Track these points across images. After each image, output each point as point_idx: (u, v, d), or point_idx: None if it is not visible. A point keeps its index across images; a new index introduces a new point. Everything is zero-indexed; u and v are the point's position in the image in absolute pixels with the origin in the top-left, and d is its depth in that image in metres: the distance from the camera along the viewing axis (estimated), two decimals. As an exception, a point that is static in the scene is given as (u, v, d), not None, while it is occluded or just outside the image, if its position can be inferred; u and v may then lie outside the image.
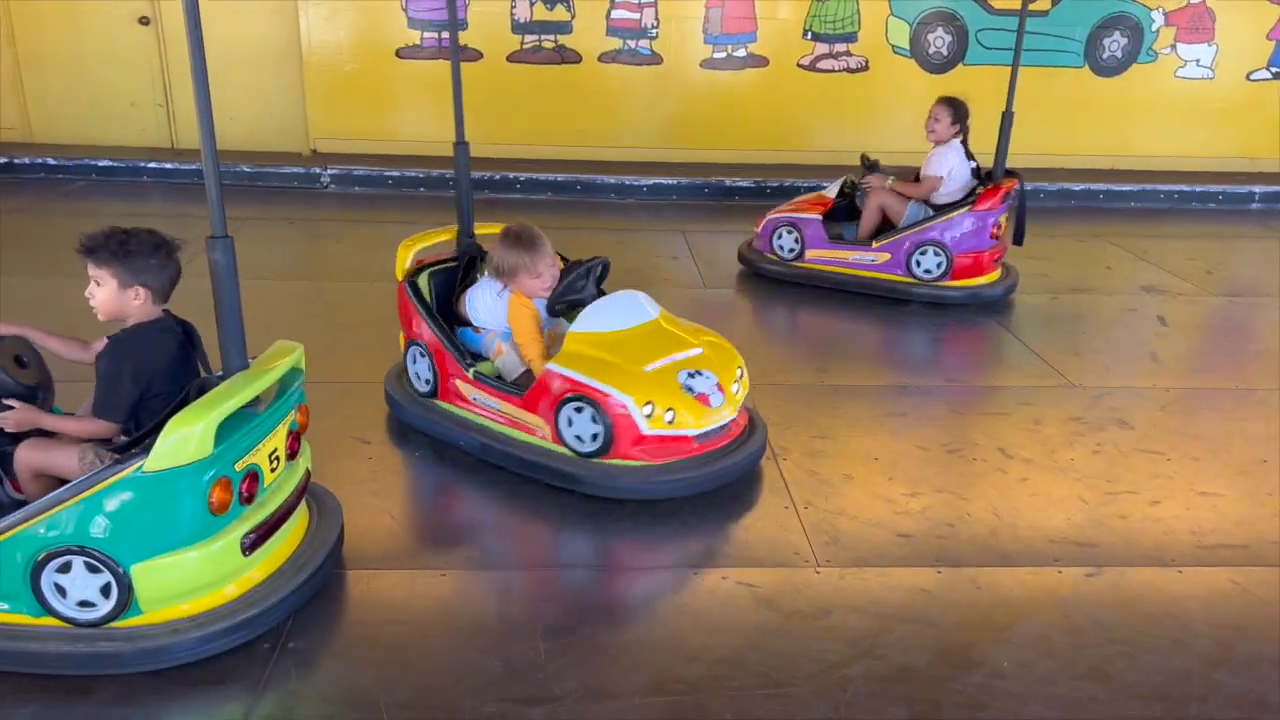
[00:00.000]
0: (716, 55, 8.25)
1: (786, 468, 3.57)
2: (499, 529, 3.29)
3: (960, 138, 5.54)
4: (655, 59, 8.21)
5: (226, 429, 2.45)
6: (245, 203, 7.13)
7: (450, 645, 2.59)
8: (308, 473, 2.88)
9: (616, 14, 8.08)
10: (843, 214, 5.73)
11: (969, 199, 5.36)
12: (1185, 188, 8.24)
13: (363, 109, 8.17)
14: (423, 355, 3.68)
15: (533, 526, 3.29)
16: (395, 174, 7.74)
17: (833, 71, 8.36)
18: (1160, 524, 3.30)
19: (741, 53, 8.25)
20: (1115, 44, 8.41)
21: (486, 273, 3.68)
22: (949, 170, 5.46)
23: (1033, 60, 8.40)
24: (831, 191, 5.80)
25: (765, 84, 8.35)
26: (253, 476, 2.56)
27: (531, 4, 7.99)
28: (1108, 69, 8.49)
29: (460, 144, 3.79)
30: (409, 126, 8.21)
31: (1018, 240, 5.60)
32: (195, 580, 2.46)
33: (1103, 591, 2.92)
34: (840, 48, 8.30)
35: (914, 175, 5.60)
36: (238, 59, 8.13)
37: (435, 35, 8.04)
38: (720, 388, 3.34)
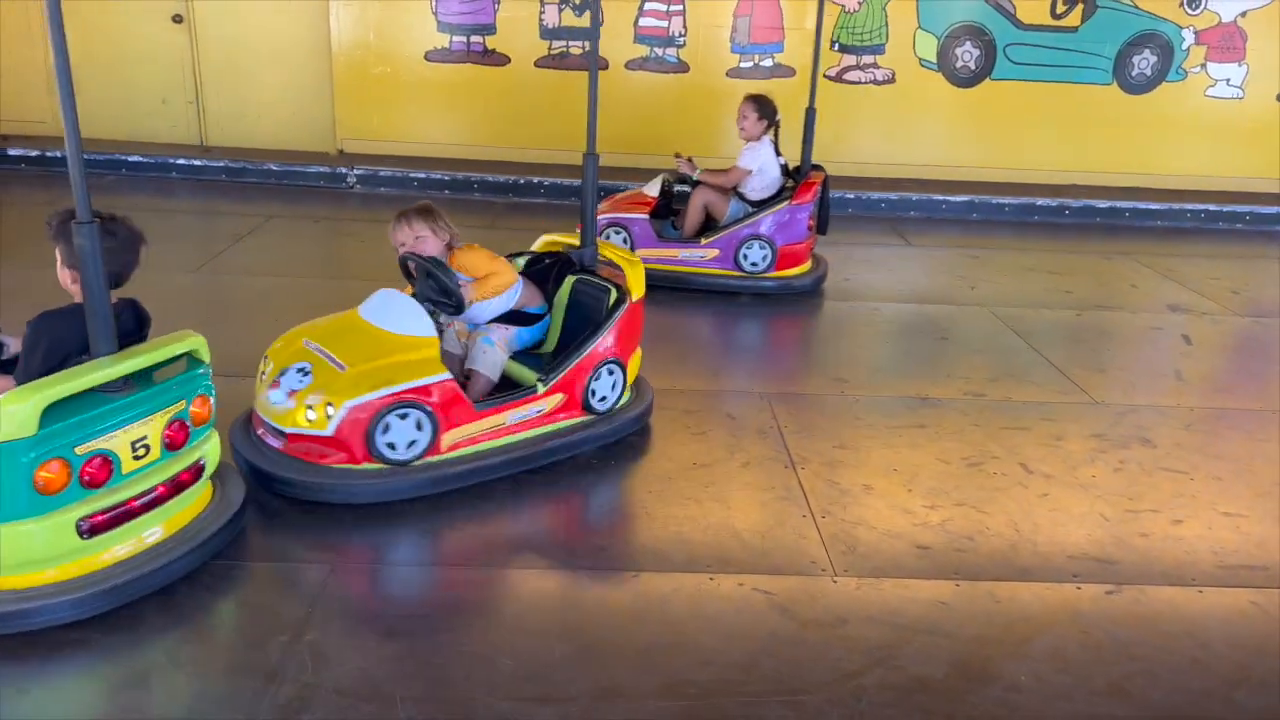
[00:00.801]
0: (743, 65, 8.26)
1: (805, 476, 3.57)
2: (513, 527, 3.30)
3: (770, 135, 5.71)
4: (682, 67, 8.23)
5: (73, 411, 2.48)
6: (272, 201, 7.20)
7: (465, 641, 2.60)
8: (200, 463, 2.85)
9: (645, 21, 8.10)
10: (661, 213, 5.86)
11: (783, 194, 5.60)
12: (1212, 207, 8.18)
13: (390, 111, 8.23)
14: None
15: (546, 525, 3.30)
16: (421, 175, 7.79)
17: (859, 83, 8.35)
18: (1182, 543, 3.27)
19: (769, 63, 8.26)
20: (1145, 62, 8.37)
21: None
22: (759, 165, 5.65)
23: (1061, 76, 8.38)
24: (652, 190, 5.87)
25: (791, 94, 8.33)
26: (102, 461, 2.56)
27: (560, 10, 8.03)
28: (1137, 87, 8.45)
29: (590, 155, 3.77)
30: (435, 129, 8.26)
31: (822, 230, 5.86)
32: (14, 556, 2.46)
33: (1122, 609, 2.90)
34: (868, 60, 8.29)
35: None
36: (268, 58, 8.22)
37: (464, 39, 8.09)
38: (293, 396, 3.16)
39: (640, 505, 3.33)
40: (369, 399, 3.09)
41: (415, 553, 3.04)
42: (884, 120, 8.45)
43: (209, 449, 2.89)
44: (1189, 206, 8.17)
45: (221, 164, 7.90)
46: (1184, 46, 8.32)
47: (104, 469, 2.57)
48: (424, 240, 3.50)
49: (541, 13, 8.03)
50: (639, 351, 3.89)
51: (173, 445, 2.78)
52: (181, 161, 7.94)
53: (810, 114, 5.92)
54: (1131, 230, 7.91)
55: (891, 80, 8.35)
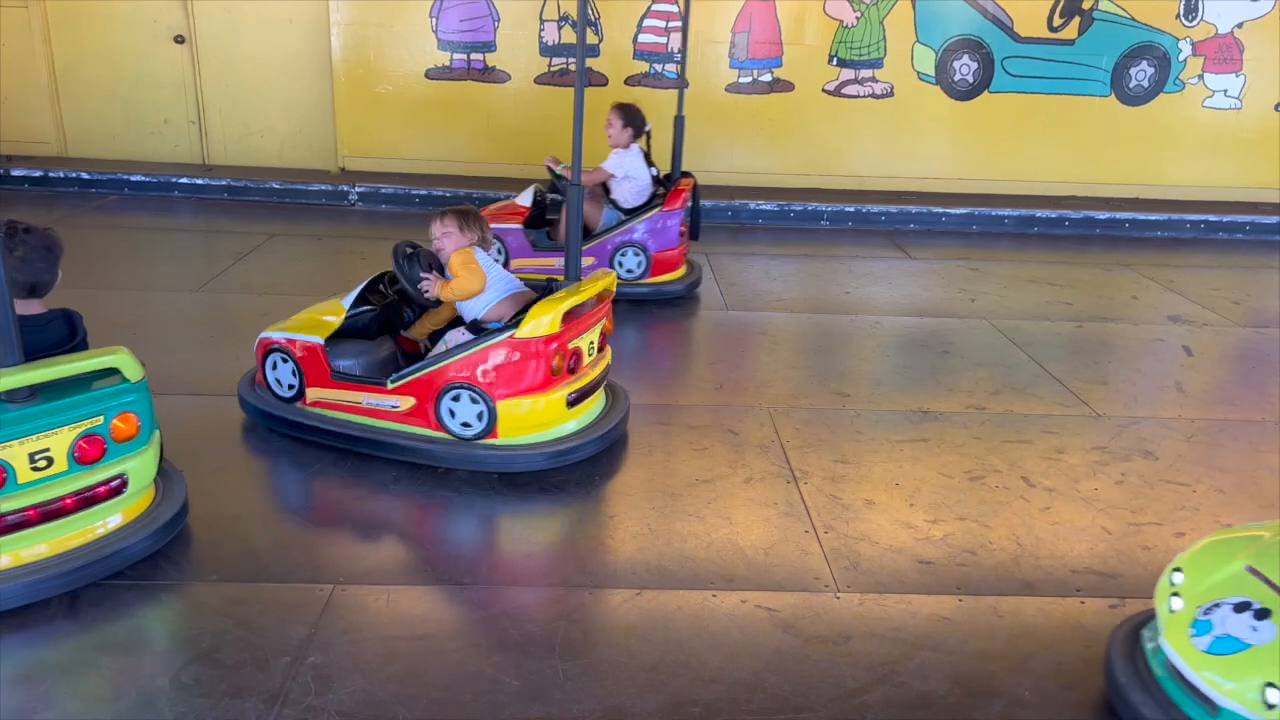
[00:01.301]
0: (742, 80, 8.30)
1: (808, 491, 3.57)
2: (516, 545, 3.30)
3: (640, 143, 5.82)
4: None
5: None
6: (274, 219, 7.22)
7: (468, 661, 2.60)
8: (121, 479, 2.90)
9: (643, 38, 8.14)
10: (536, 223, 5.88)
11: (655, 202, 5.72)
12: (1212, 218, 8.19)
13: (391, 128, 8.26)
14: None
15: (548, 543, 3.30)
16: (422, 193, 7.81)
17: (858, 97, 8.39)
18: (1185, 556, 3.26)
19: (767, 77, 8.30)
20: (1142, 73, 8.40)
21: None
22: (624, 172, 5.75)
23: (1059, 88, 8.41)
24: (524, 200, 5.86)
25: (791, 109, 8.38)
26: None
27: (559, 27, 8.07)
28: (1135, 98, 8.47)
29: (575, 185, 3.83)
30: (436, 146, 8.29)
31: (694, 236, 5.94)
32: None
33: (1126, 623, 2.89)
34: (866, 74, 8.33)
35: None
36: (270, 78, 8.26)
37: (464, 57, 8.13)
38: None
39: (643, 522, 3.33)
40: (265, 336, 3.84)
41: (418, 573, 3.04)
42: (883, 134, 8.47)
43: (134, 466, 2.91)
44: (1189, 217, 8.19)
45: (223, 183, 7.94)
46: (1181, 58, 8.35)
47: None
48: (449, 236, 3.80)
49: (541, 30, 8.07)
50: (544, 400, 3.60)
51: (83, 459, 2.80)
52: (184, 181, 7.97)
53: (679, 122, 6.04)
54: (1132, 241, 7.92)
55: (890, 94, 8.38)
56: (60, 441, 2.75)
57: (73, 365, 2.78)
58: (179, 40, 8.18)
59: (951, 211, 8.04)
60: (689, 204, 5.81)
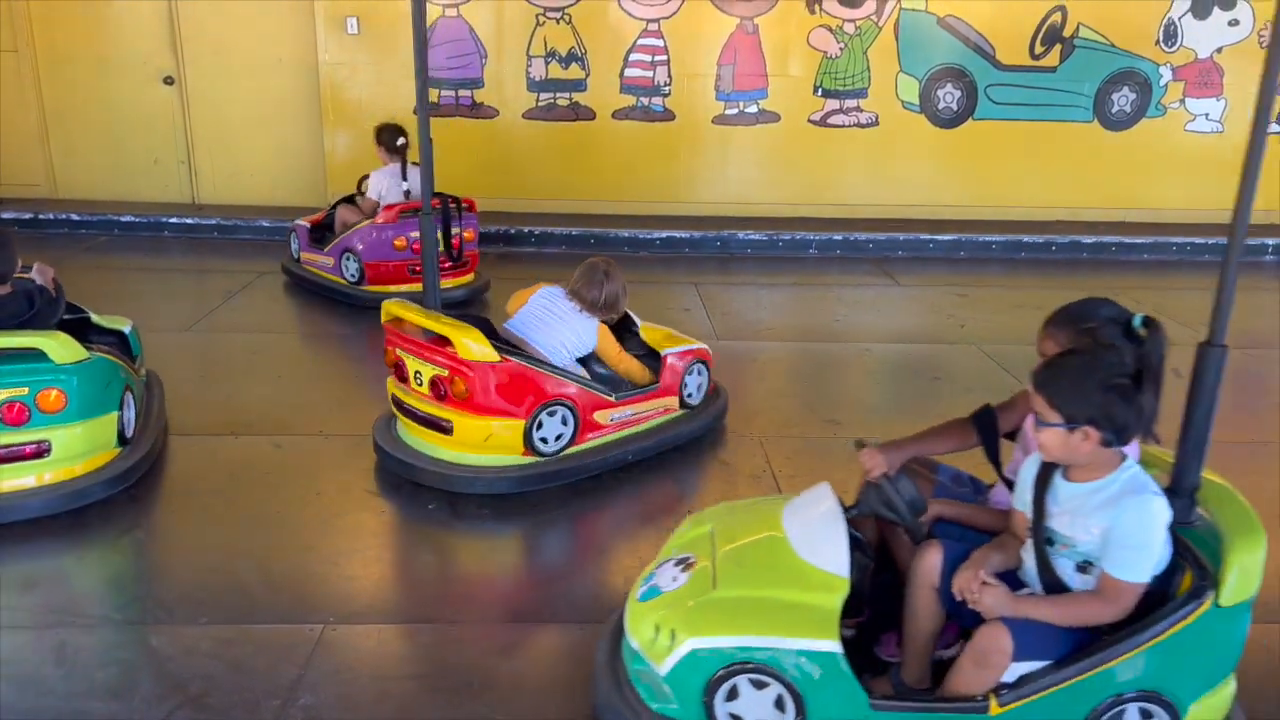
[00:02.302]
0: (729, 112, 8.37)
1: (799, 521, 3.55)
2: (510, 583, 3.28)
3: (399, 160, 6.24)
4: (668, 115, 8.33)
5: None
6: (264, 257, 7.22)
7: (462, 702, 2.57)
8: (44, 444, 3.39)
9: (630, 72, 8.22)
10: (323, 227, 6.55)
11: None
12: (1198, 240, 8.25)
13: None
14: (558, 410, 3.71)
15: (540, 579, 3.28)
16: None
17: (843, 127, 8.46)
18: (1178, 579, 3.25)
19: (753, 109, 8.37)
20: (1124, 99, 8.49)
21: (580, 307, 3.86)
22: (380, 190, 6.25)
23: (1042, 115, 8.50)
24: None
25: (777, 139, 8.46)
26: None
27: (547, 63, 8.14)
28: (1117, 123, 8.56)
29: (426, 214, 3.95)
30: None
31: (453, 259, 6.11)
32: None
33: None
34: (851, 103, 8.41)
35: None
36: (260, 117, 8.31)
37: (452, 93, 8.19)
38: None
39: (636, 555, 3.32)
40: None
41: (411, 610, 3.02)
42: (869, 162, 8.54)
43: (59, 436, 3.39)
44: (1174, 240, 8.25)
45: (213, 222, 7.96)
46: (1162, 83, 8.45)
47: None
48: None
49: (529, 66, 8.14)
50: (503, 421, 3.58)
51: (8, 421, 3.33)
52: (174, 220, 7.99)
53: (426, 146, 6.14)
54: (1118, 265, 7.97)
55: (875, 123, 8.46)
56: None
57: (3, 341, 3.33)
58: (168, 82, 8.24)
59: (939, 238, 8.10)
60: (410, 223, 5.96)
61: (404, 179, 6.23)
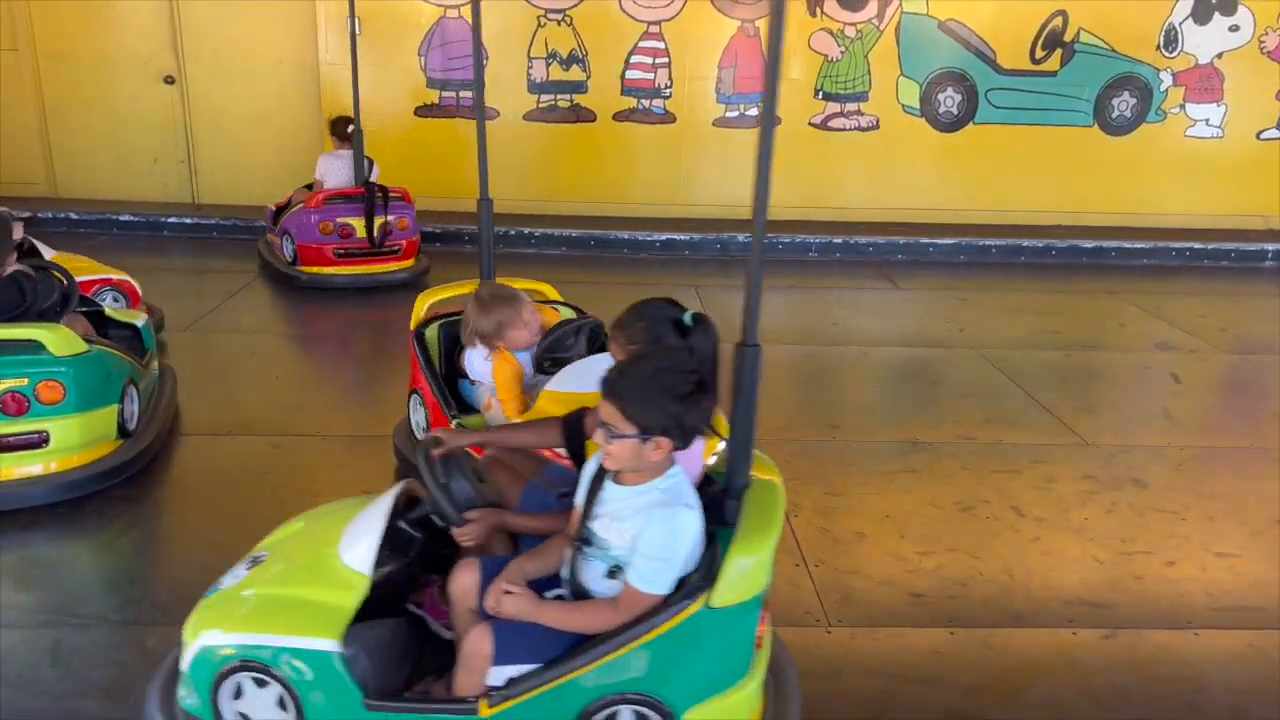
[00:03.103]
0: (729, 114, 8.37)
1: (798, 525, 3.55)
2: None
3: (347, 147, 6.54)
4: (668, 118, 8.33)
5: None
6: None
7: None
8: (42, 434, 3.45)
9: (631, 74, 8.22)
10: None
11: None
12: (1198, 245, 8.25)
13: (381, 166, 8.29)
14: (420, 405, 3.72)
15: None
16: (411, 229, 7.84)
17: (844, 130, 8.46)
18: (1176, 585, 3.25)
19: (754, 111, 8.37)
20: (1124, 104, 8.49)
21: (467, 340, 3.55)
22: (322, 173, 6.62)
23: (1042, 119, 8.50)
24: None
25: (778, 142, 8.41)
26: None
27: (548, 64, 8.14)
28: (1117, 128, 8.57)
29: (484, 200, 3.86)
30: (425, 183, 8.31)
31: (374, 243, 6.41)
32: None
33: (1119, 654, 2.88)
34: (851, 107, 8.41)
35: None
36: (261, 116, 8.30)
37: (453, 94, 8.19)
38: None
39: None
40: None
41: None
42: (869, 166, 8.54)
43: (56, 427, 3.44)
44: (1174, 245, 8.25)
45: (213, 221, 7.95)
46: (1162, 88, 8.46)
47: None
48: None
49: (529, 67, 8.14)
50: None
51: (8, 410, 3.36)
52: (173, 220, 7.98)
53: (357, 134, 6.49)
54: (1118, 269, 7.97)
55: (876, 126, 8.46)
56: None
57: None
58: (169, 81, 8.23)
59: (938, 242, 8.10)
60: (339, 209, 6.33)
61: (360, 164, 6.52)
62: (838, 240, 8.06)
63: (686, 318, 2.39)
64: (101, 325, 4.09)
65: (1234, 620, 3.06)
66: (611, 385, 2.04)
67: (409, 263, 6.63)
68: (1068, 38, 8.30)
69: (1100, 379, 5.39)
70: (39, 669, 2.65)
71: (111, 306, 4.84)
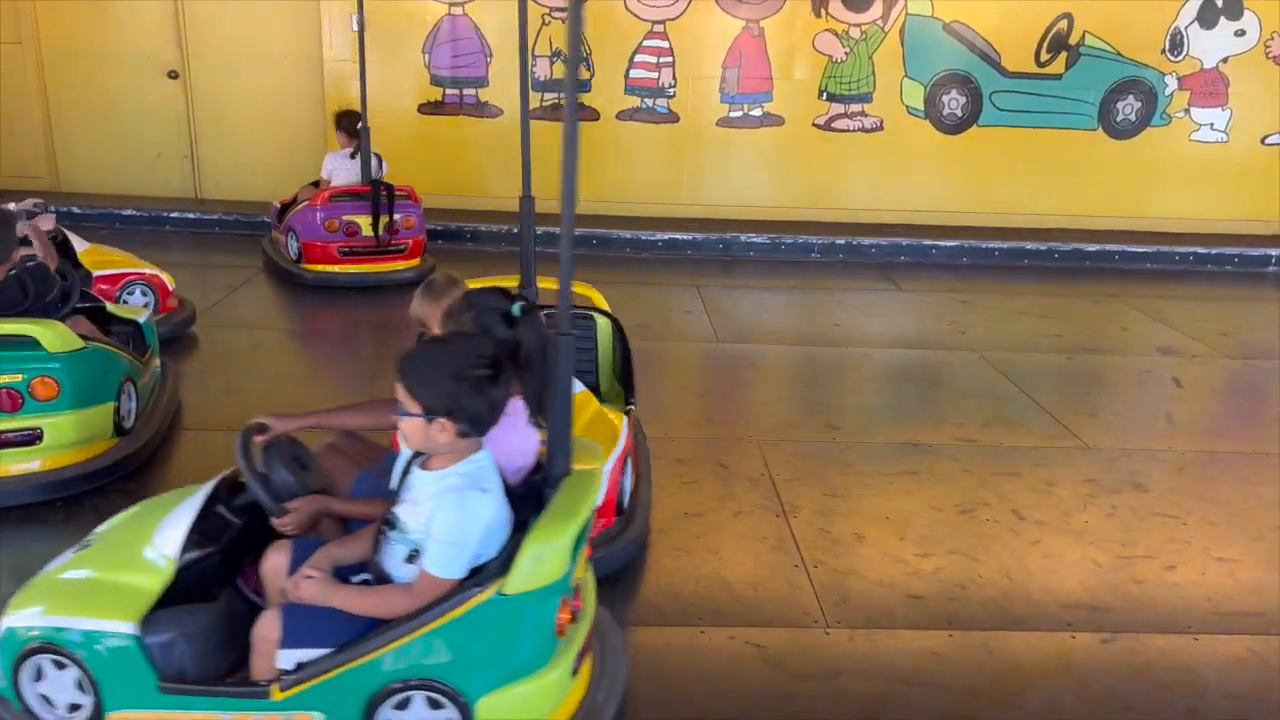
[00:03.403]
0: (733, 114, 8.36)
1: (797, 525, 3.55)
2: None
3: (353, 148, 6.50)
4: (672, 117, 8.33)
5: None
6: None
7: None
8: (36, 431, 3.40)
9: (635, 73, 8.21)
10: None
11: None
12: (1201, 250, 8.24)
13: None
14: None
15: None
16: (414, 226, 7.83)
17: (848, 131, 8.45)
18: (1176, 589, 3.25)
19: (757, 112, 8.36)
20: (1129, 107, 8.48)
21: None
22: (329, 172, 6.56)
23: (1047, 122, 8.49)
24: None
25: (780, 142, 8.45)
26: None
27: (551, 63, 8.14)
28: (1121, 132, 8.55)
29: (526, 197, 3.83)
30: (428, 180, 8.30)
31: (379, 239, 6.39)
32: None
33: (1117, 658, 2.87)
34: (855, 108, 8.40)
35: None
36: (264, 112, 8.30)
37: (457, 92, 8.19)
38: None
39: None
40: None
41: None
42: (873, 167, 8.53)
43: (50, 424, 3.40)
44: (1178, 249, 8.24)
45: (215, 216, 7.95)
46: (1167, 92, 8.44)
47: None
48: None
49: (533, 66, 8.14)
50: None
51: (2, 407, 3.36)
52: (175, 215, 7.98)
53: (364, 131, 6.45)
54: (1120, 273, 7.96)
55: (880, 128, 8.45)
56: None
57: None
58: (172, 76, 8.23)
59: (941, 244, 8.09)
60: (346, 206, 6.31)
61: (366, 163, 6.46)
62: (840, 241, 8.05)
63: (514, 309, 2.44)
64: (104, 322, 4.08)
65: (1234, 625, 3.05)
66: (400, 366, 2.10)
67: (414, 262, 6.58)
68: (1073, 41, 8.29)
69: (1102, 383, 5.39)
70: (36, 662, 2.64)
71: (136, 302, 4.87)
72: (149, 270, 5.19)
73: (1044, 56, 8.35)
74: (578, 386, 2.96)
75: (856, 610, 3.05)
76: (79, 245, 4.98)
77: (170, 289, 5.24)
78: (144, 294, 5.12)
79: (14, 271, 3.57)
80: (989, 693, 2.69)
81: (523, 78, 3.94)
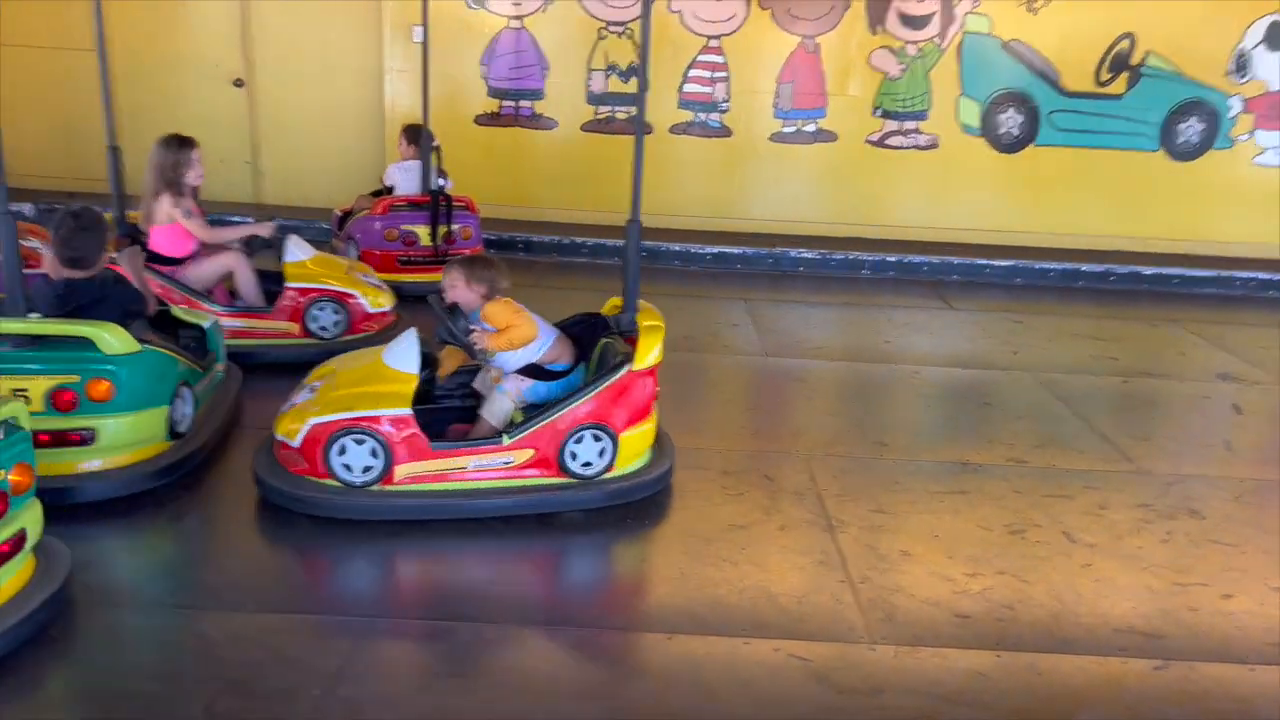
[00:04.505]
0: (786, 130, 8.36)
1: (844, 540, 3.53)
2: (547, 586, 3.30)
3: (419, 159, 6.54)
4: (725, 132, 8.35)
5: None
6: (322, 258, 7.34)
7: (498, 700, 2.58)
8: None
9: (689, 87, 8.25)
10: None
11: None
12: (1263, 275, 8.06)
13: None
14: None
15: (578, 583, 3.29)
16: (467, 235, 7.93)
17: (902, 148, 8.41)
18: (1232, 619, 3.17)
19: (811, 127, 8.36)
20: (1191, 129, 8.34)
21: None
22: (394, 183, 6.64)
23: (1106, 143, 8.38)
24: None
25: (833, 159, 8.43)
26: None
27: (606, 76, 8.21)
28: (1183, 154, 8.41)
29: (633, 222, 3.81)
30: (484, 190, 8.39)
31: (436, 248, 6.42)
32: None
33: (1170, 685, 2.82)
34: (910, 125, 8.36)
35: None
36: (325, 120, 8.47)
37: (513, 104, 8.29)
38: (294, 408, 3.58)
39: (675, 566, 3.32)
40: (327, 420, 3.41)
41: (452, 609, 3.05)
42: (926, 185, 8.48)
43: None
44: (1239, 274, 8.07)
45: (275, 223, 8.09)
46: (1231, 114, 8.29)
47: None
48: (455, 289, 3.71)
49: (589, 79, 8.22)
50: (650, 423, 3.75)
51: (59, 406, 3.36)
52: (236, 219, 8.15)
53: (426, 142, 6.55)
54: (1179, 297, 7.81)
55: (935, 145, 8.40)
56: (38, 386, 3.35)
57: (52, 326, 3.44)
58: (238, 84, 8.44)
59: (995, 263, 8.00)
60: (403, 216, 6.39)
61: (426, 173, 6.53)
62: (892, 259, 8.00)
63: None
64: (170, 326, 4.15)
65: (1292, 657, 2.98)
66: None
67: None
68: (1135, 61, 8.18)
69: (1158, 407, 5.29)
70: (99, 650, 2.72)
71: (326, 320, 5.10)
72: (342, 288, 5.13)
73: (1104, 76, 8.25)
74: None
75: (902, 627, 3.02)
76: (303, 254, 5.18)
77: (364, 311, 5.16)
78: (335, 313, 5.11)
79: (103, 272, 3.73)
80: (1037, 715, 2.65)
81: (639, 98, 3.96)
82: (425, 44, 6.74)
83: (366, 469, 3.41)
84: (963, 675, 2.80)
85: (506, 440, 3.53)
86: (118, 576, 3.14)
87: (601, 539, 3.50)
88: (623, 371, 3.62)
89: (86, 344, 3.43)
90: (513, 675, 2.71)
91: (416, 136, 6.58)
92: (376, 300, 5.26)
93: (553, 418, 3.56)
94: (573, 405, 3.57)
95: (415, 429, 3.42)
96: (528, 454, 3.55)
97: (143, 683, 2.58)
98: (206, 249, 5.28)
